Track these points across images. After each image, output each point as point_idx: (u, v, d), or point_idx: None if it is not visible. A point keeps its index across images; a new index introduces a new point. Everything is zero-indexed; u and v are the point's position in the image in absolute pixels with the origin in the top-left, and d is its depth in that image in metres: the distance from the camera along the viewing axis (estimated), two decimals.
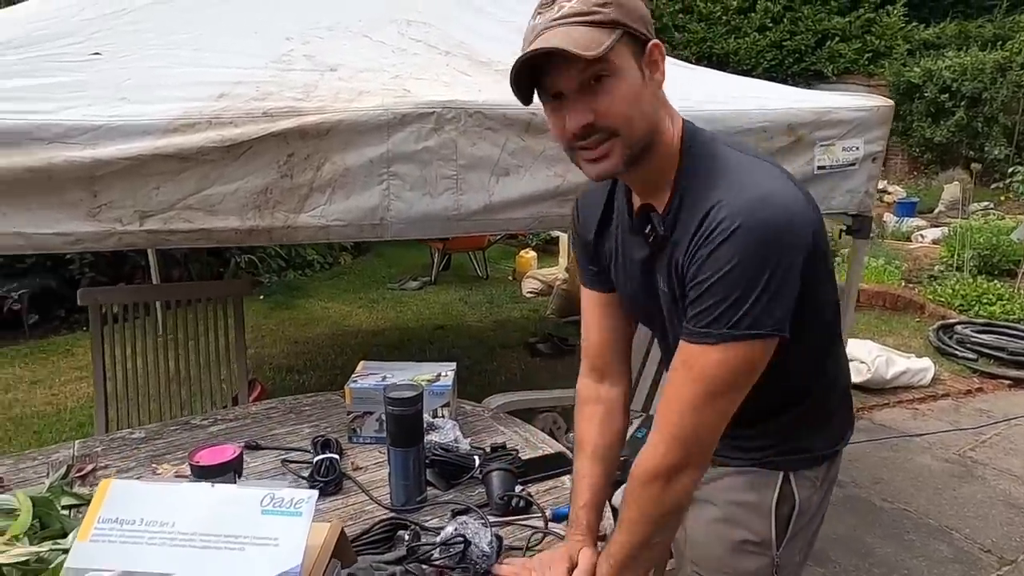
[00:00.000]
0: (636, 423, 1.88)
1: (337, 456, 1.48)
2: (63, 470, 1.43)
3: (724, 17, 12.18)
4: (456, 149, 1.68)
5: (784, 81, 11.50)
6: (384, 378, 1.61)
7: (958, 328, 4.59)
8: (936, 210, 8.77)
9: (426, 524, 1.27)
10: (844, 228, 2.27)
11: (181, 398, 2.35)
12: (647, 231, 1.03)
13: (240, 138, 1.51)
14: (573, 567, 1.10)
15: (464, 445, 1.51)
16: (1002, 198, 8.71)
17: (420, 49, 1.99)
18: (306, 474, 1.43)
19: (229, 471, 1.14)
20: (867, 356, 3.91)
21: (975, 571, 2.44)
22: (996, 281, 5.51)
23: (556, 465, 1.50)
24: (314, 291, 5.84)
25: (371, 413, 1.58)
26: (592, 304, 1.23)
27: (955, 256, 6.04)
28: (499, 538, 1.19)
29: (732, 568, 1.18)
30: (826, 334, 1.10)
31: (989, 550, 2.55)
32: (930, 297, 5.36)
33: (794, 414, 1.13)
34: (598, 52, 0.87)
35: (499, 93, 1.69)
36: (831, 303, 1.08)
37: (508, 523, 1.28)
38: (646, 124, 0.94)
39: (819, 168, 2.05)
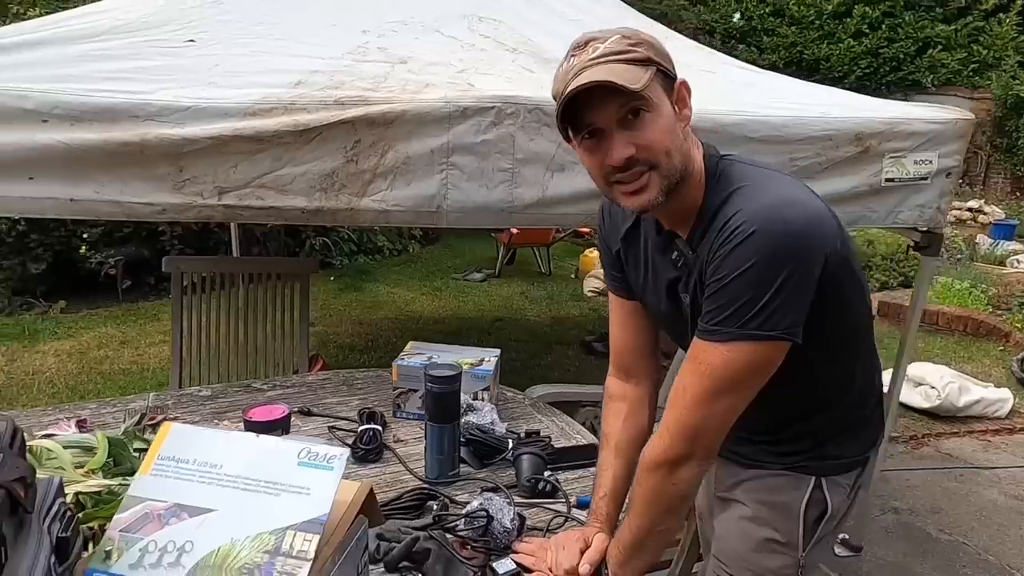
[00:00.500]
0: None
1: (380, 428, 1.56)
2: (137, 417, 1.57)
3: (817, 21, 11.73)
4: (514, 143, 1.73)
5: (878, 90, 11.03)
6: (430, 358, 1.69)
7: None
8: None
9: (455, 498, 1.34)
10: (912, 244, 2.19)
11: (248, 365, 2.51)
12: (675, 256, 1.08)
13: (312, 123, 1.62)
14: (587, 548, 1.14)
15: (500, 428, 1.57)
16: None
17: (488, 45, 2.05)
18: (350, 442, 1.53)
19: (277, 428, 1.25)
20: (938, 381, 3.73)
21: None
22: None
23: (587, 456, 1.53)
24: (381, 276, 6.04)
25: (415, 390, 1.66)
26: (617, 307, 1.27)
27: None
28: (522, 517, 1.24)
29: (755, 565, 1.19)
30: (855, 343, 1.11)
31: None
32: (1018, 326, 5.03)
33: (825, 421, 1.14)
34: (641, 85, 0.91)
35: None
36: (860, 313, 1.08)
37: (533, 505, 1.33)
38: (681, 156, 0.98)
39: (887, 180, 1.99)
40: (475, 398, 1.67)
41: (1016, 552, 2.64)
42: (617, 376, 1.30)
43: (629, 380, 1.29)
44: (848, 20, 11.58)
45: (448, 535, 1.19)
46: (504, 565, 1.08)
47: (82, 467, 1.31)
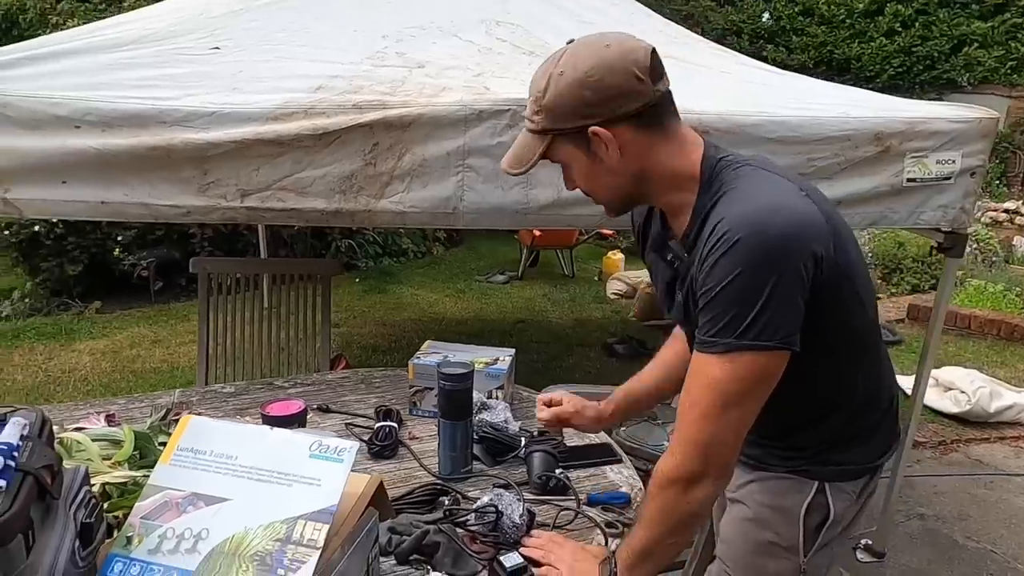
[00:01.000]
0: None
1: (396, 425, 1.59)
2: (163, 412, 1.62)
3: (848, 20, 11.54)
4: None
5: (911, 90, 10.81)
6: (446, 357, 1.71)
7: None
8: None
9: (467, 493, 1.36)
10: (935, 245, 2.16)
11: (272, 364, 2.57)
12: (670, 257, 1.12)
13: (331, 127, 1.66)
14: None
15: (513, 427, 1.59)
16: None
17: (505, 49, 2.08)
18: (366, 438, 1.56)
19: (293, 423, 1.28)
20: (969, 386, 3.65)
21: None
22: None
23: (599, 455, 1.54)
24: (406, 278, 6.10)
25: (431, 389, 1.68)
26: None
27: None
28: (531, 513, 1.25)
29: (756, 567, 1.20)
30: (856, 348, 1.10)
31: None
32: None
33: (829, 427, 1.14)
34: (526, 167, 1.06)
35: None
36: (859, 317, 1.07)
37: (543, 502, 1.35)
38: (610, 191, 1.08)
39: (908, 180, 1.97)
40: (490, 397, 1.69)
41: None
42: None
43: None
44: (880, 18, 11.38)
45: (458, 529, 1.22)
46: (511, 559, 1.09)
47: (109, 459, 1.36)
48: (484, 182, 1.76)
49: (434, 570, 1.12)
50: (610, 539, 1.25)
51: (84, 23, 3.46)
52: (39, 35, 3.20)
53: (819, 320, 0.98)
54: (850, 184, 1.93)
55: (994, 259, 6.41)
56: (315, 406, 1.72)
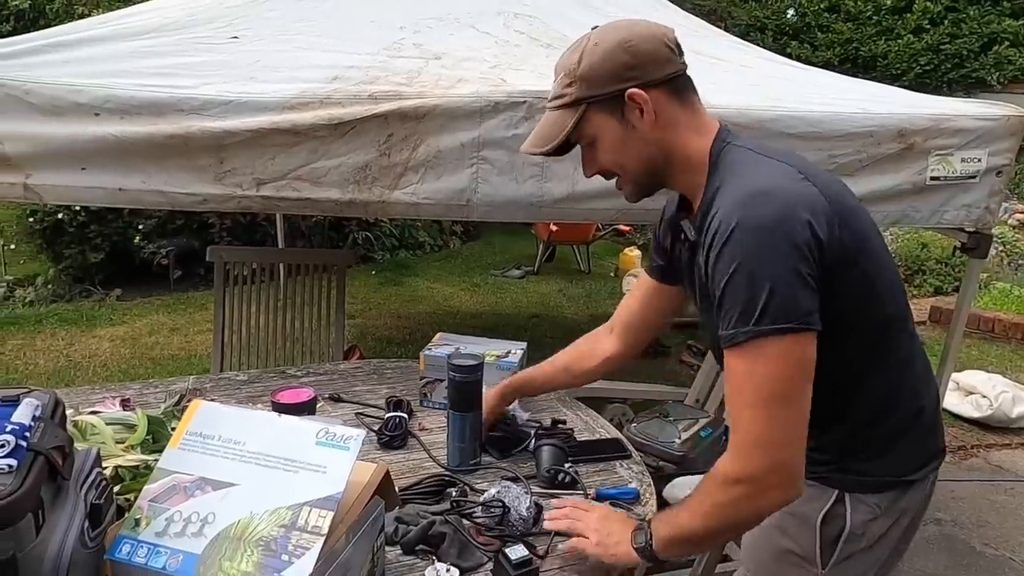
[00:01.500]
0: (702, 422, 1.87)
1: (406, 416, 1.60)
2: (176, 398, 1.64)
3: (875, 17, 11.34)
4: None
5: (939, 88, 10.62)
6: (457, 349, 1.71)
7: None
8: None
9: (475, 485, 1.36)
10: (959, 245, 2.12)
11: (286, 353, 2.59)
12: (682, 237, 1.12)
13: (346, 117, 1.66)
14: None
15: (522, 416, 1.58)
16: None
17: (522, 41, 2.06)
18: (376, 428, 1.56)
19: (303, 411, 1.29)
20: (991, 391, 3.58)
21: None
22: None
23: (609, 450, 1.53)
24: (422, 271, 6.12)
25: (442, 380, 1.68)
26: (642, 283, 1.37)
27: None
28: (538, 506, 1.25)
29: (775, 575, 1.18)
30: (868, 346, 1.05)
31: None
32: None
33: (844, 433, 1.10)
34: (547, 148, 1.07)
35: None
36: (875, 311, 1.04)
37: (551, 495, 1.34)
38: (641, 163, 1.07)
39: (932, 179, 1.93)
40: None
41: None
42: (606, 327, 1.45)
43: (611, 333, 1.43)
44: (908, 15, 11.16)
45: (465, 521, 1.22)
46: (516, 551, 1.09)
47: (123, 443, 1.38)
48: (499, 174, 1.75)
49: (439, 560, 1.12)
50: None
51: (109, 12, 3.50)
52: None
53: (824, 308, 0.94)
54: (872, 182, 1.89)
55: (1020, 262, 6.28)
56: (326, 395, 1.73)
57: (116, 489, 1.19)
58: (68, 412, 1.30)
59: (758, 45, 3.03)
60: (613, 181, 1.79)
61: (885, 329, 1.06)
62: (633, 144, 1.05)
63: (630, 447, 1.57)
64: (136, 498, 1.13)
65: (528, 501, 1.23)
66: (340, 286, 2.59)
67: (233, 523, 0.91)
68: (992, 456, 3.35)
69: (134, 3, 2.41)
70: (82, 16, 5.28)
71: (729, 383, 0.98)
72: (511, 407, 1.57)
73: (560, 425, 1.59)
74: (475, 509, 1.24)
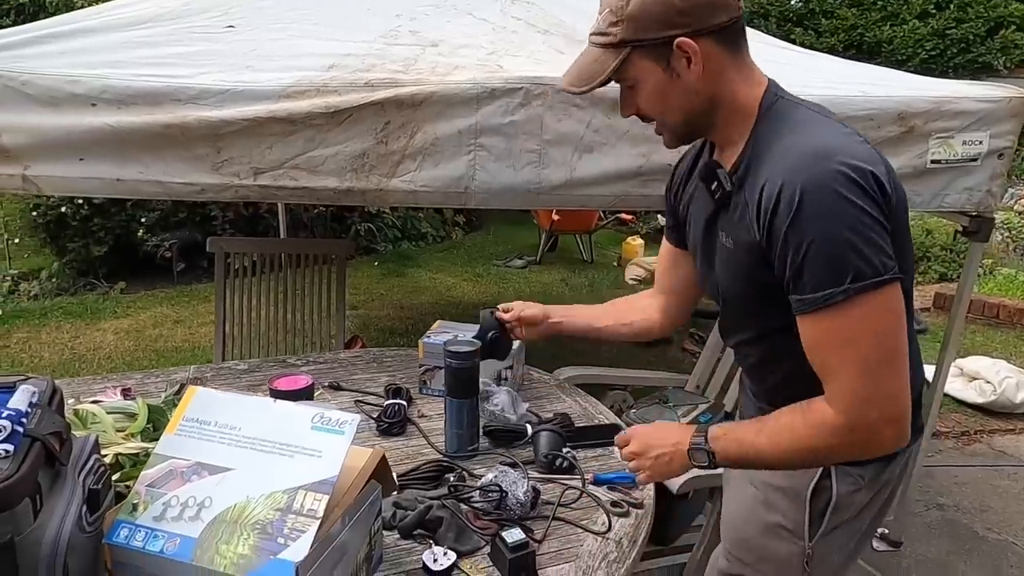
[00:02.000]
0: (702, 407, 1.87)
1: (405, 403, 1.60)
2: (177, 387, 1.65)
3: (880, 2, 11.23)
4: (541, 124, 1.73)
5: (944, 74, 10.52)
6: (456, 336, 1.71)
7: None
8: None
9: (473, 471, 1.37)
10: (960, 229, 2.10)
11: (287, 343, 2.60)
12: (713, 187, 1.07)
13: (343, 105, 1.65)
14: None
15: (520, 409, 1.57)
16: None
17: (519, 27, 2.05)
18: (375, 415, 1.57)
19: (300, 398, 1.29)
20: (995, 376, 3.57)
21: None
22: None
23: (608, 435, 1.53)
24: (424, 262, 6.12)
25: (440, 368, 1.68)
26: (666, 252, 1.37)
27: None
28: (536, 490, 1.26)
29: (762, 549, 1.19)
30: None
31: None
32: None
33: None
34: (587, 88, 1.04)
35: None
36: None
37: (549, 480, 1.35)
38: (682, 113, 1.04)
39: (932, 162, 1.92)
40: (499, 377, 1.69)
41: None
42: (648, 292, 1.48)
43: (656, 296, 1.45)
44: (913, 0, 11.06)
45: (463, 505, 1.22)
46: (513, 535, 1.09)
47: (123, 431, 1.39)
48: (496, 161, 1.75)
49: (437, 544, 1.13)
50: (613, 519, 1.24)
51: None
52: None
53: None
54: None
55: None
56: (326, 383, 1.74)
57: (116, 476, 1.20)
58: (69, 401, 1.32)
59: (762, 32, 3.00)
60: (612, 169, 1.79)
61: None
62: (676, 94, 1.01)
63: None
64: None
65: (526, 486, 1.24)
66: (341, 276, 2.60)
67: (229, 507, 0.92)
68: (995, 441, 3.34)
69: None
70: (82, 9, 5.27)
71: (822, 343, 0.95)
72: (506, 403, 1.56)
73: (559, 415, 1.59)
74: (472, 494, 1.24)
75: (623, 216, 6.55)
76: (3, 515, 0.79)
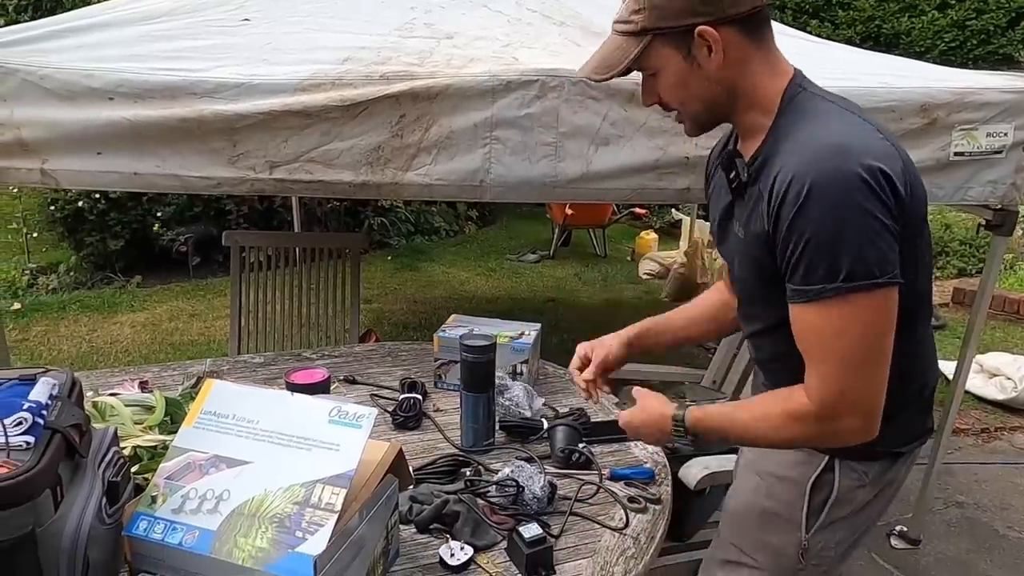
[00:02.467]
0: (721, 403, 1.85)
1: (420, 397, 1.60)
2: (194, 380, 1.66)
3: None
4: (558, 117, 1.72)
5: (964, 66, 10.35)
6: (471, 330, 1.70)
7: None
8: None
9: (490, 466, 1.36)
10: (983, 223, 2.07)
11: (302, 337, 2.61)
12: (731, 176, 1.06)
13: (358, 98, 1.65)
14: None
15: (537, 403, 1.57)
16: None
17: (535, 19, 2.04)
18: (391, 409, 1.57)
19: (317, 392, 1.29)
20: (1015, 372, 3.51)
21: None
22: None
23: (623, 431, 1.52)
24: (437, 256, 6.12)
25: (455, 361, 1.67)
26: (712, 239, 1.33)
27: None
28: (552, 485, 1.25)
29: (759, 538, 1.18)
30: (897, 321, 1.01)
31: None
32: None
33: None
34: (608, 75, 1.03)
35: None
36: (911, 287, 1.00)
37: (566, 475, 1.34)
38: (702, 102, 1.03)
39: (956, 154, 1.88)
40: (515, 371, 1.68)
41: None
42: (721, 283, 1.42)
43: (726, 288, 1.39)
44: None
45: (479, 500, 1.22)
46: (530, 530, 1.09)
47: (141, 423, 1.40)
48: (511, 154, 1.74)
49: (453, 539, 1.13)
50: (631, 515, 1.23)
51: None
52: None
53: None
54: None
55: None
56: (341, 377, 1.74)
57: (134, 469, 1.21)
58: (88, 394, 1.32)
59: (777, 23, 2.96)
60: (628, 162, 1.77)
61: (917, 306, 1.04)
62: (697, 83, 1.01)
63: None
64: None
65: (542, 481, 1.23)
66: (355, 270, 2.60)
67: (247, 500, 0.91)
68: (1016, 439, 3.29)
69: None
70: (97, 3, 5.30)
71: (809, 334, 0.97)
72: (521, 397, 1.55)
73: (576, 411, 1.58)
74: (489, 488, 1.24)
75: (637, 210, 6.51)
76: (24, 506, 0.79)
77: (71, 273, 5.10)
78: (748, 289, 1.13)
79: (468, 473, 1.31)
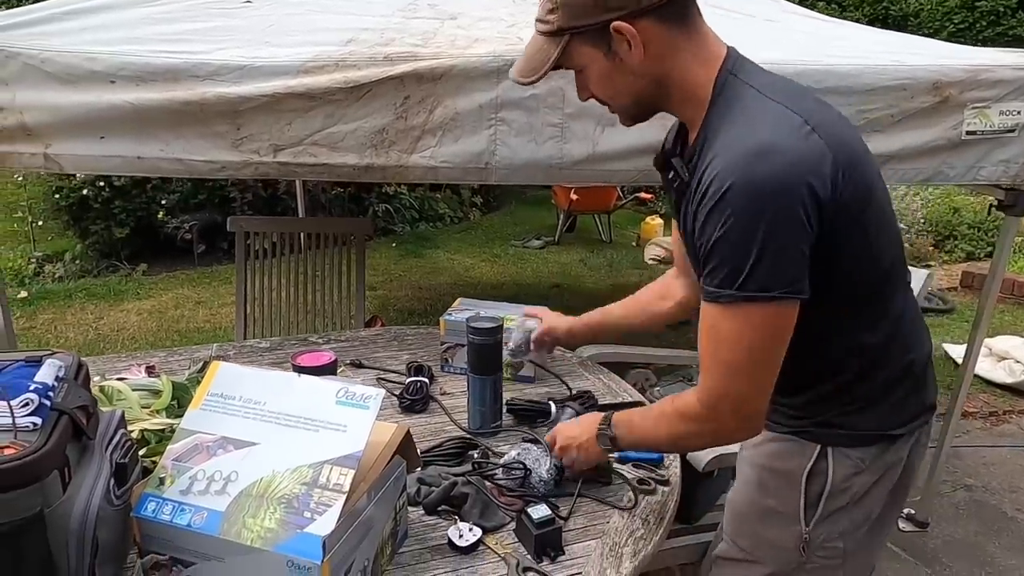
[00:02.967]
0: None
1: (427, 380, 1.59)
2: (200, 365, 1.66)
3: None
4: (563, 97, 1.70)
5: (974, 47, 10.24)
6: (477, 313, 1.69)
7: None
8: None
9: (497, 448, 1.36)
10: (995, 203, 2.04)
11: (308, 322, 2.61)
12: (671, 176, 1.05)
13: (362, 80, 1.63)
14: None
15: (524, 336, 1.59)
16: None
17: None
18: (398, 393, 1.56)
19: (324, 374, 1.28)
20: None
21: None
22: None
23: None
24: (442, 242, 6.11)
25: (462, 345, 1.66)
26: (675, 232, 1.34)
27: None
28: (559, 467, 1.24)
29: (759, 534, 1.16)
30: (862, 302, 1.02)
31: None
32: None
33: (830, 387, 1.07)
34: (533, 78, 1.02)
35: None
36: (869, 269, 1.00)
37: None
38: (629, 96, 1.02)
39: (968, 133, 1.85)
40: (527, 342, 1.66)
41: None
42: (672, 271, 1.48)
43: (679, 277, 1.46)
44: None
45: (487, 482, 1.21)
46: (539, 511, 1.08)
47: (148, 407, 1.40)
48: (517, 136, 1.72)
49: (462, 520, 1.13)
50: (640, 496, 1.23)
51: None
52: None
53: (820, 269, 0.92)
54: (904, 137, 1.82)
55: None
56: (348, 361, 1.74)
57: (142, 452, 1.21)
58: (95, 379, 1.32)
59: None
60: (635, 143, 1.75)
61: (882, 284, 1.03)
62: (621, 78, 0.98)
63: None
64: None
65: (548, 463, 1.22)
66: (360, 256, 2.59)
67: (256, 481, 0.91)
68: None
69: None
70: None
71: (705, 333, 0.98)
72: (519, 339, 1.59)
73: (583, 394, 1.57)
74: (496, 471, 1.23)
75: (642, 195, 6.48)
76: (32, 487, 0.79)
77: (77, 261, 5.11)
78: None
79: (475, 455, 1.30)
